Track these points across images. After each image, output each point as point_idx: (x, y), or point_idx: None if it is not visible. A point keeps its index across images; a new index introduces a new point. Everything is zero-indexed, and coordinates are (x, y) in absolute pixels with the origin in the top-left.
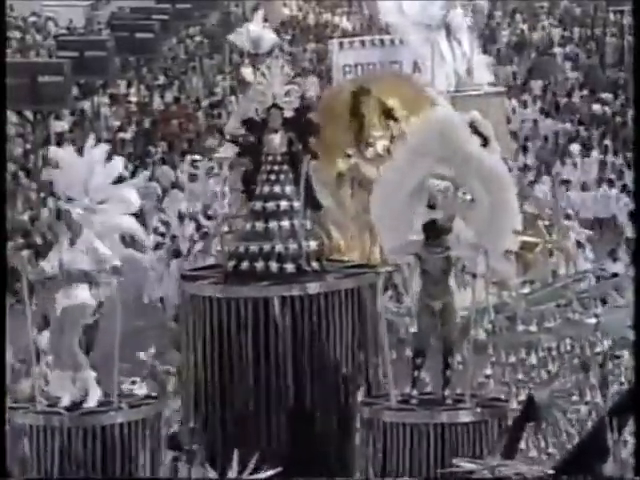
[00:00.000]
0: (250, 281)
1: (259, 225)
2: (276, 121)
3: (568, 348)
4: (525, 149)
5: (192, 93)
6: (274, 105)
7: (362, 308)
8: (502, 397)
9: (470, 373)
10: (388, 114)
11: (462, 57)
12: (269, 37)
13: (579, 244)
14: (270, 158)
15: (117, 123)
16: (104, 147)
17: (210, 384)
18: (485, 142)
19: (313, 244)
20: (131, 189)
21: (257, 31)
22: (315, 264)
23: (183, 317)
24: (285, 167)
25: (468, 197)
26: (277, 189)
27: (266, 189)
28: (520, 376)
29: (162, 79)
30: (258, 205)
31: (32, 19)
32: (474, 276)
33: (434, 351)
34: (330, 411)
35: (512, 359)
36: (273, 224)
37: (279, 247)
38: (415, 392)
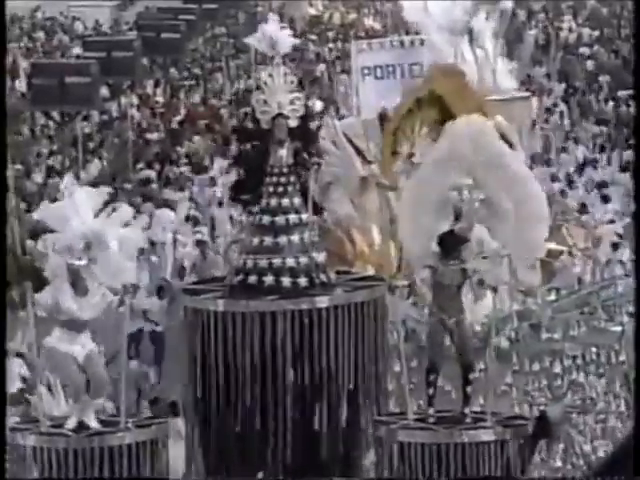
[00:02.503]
0: (257, 295)
1: (268, 239)
2: (282, 131)
3: (594, 357)
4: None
5: (218, 93)
6: (279, 114)
7: (372, 322)
8: (524, 414)
9: (492, 384)
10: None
11: (485, 62)
12: (287, 39)
13: (615, 249)
14: (276, 170)
15: (144, 124)
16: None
17: (214, 401)
18: (510, 148)
19: (321, 256)
20: (136, 230)
21: (273, 32)
22: (323, 276)
23: (186, 332)
24: (292, 179)
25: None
26: (285, 202)
27: (273, 202)
28: (544, 384)
29: (188, 79)
30: (266, 219)
31: (59, 20)
32: (495, 290)
33: (452, 363)
34: (338, 429)
35: (536, 367)
36: (283, 239)
37: (290, 261)
38: (432, 410)
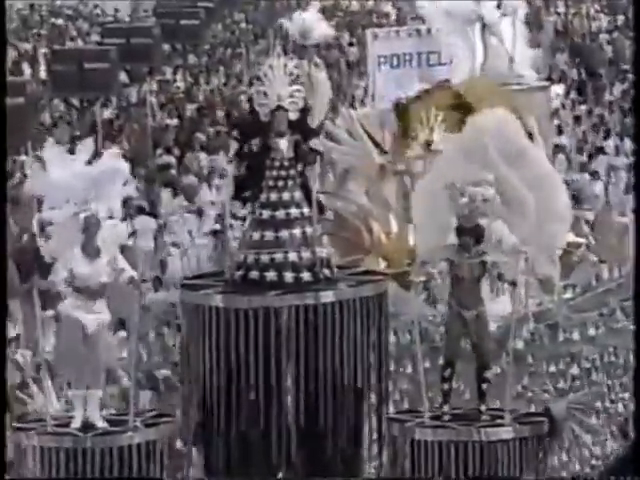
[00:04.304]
0: (260, 291)
1: (269, 234)
2: (282, 124)
3: (612, 358)
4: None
5: (237, 80)
6: (279, 107)
7: (378, 317)
8: (540, 411)
9: (509, 386)
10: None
11: (500, 51)
12: (321, 30)
13: None
14: (276, 164)
15: (163, 110)
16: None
17: (216, 400)
18: (529, 138)
19: (324, 251)
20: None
21: (311, 21)
22: (327, 271)
23: (185, 329)
24: (293, 172)
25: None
26: (286, 196)
27: (274, 196)
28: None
29: (207, 66)
30: (266, 214)
31: (79, 6)
32: (514, 285)
33: (467, 361)
34: (344, 428)
35: (552, 369)
36: (284, 233)
37: (292, 256)
38: (446, 408)
